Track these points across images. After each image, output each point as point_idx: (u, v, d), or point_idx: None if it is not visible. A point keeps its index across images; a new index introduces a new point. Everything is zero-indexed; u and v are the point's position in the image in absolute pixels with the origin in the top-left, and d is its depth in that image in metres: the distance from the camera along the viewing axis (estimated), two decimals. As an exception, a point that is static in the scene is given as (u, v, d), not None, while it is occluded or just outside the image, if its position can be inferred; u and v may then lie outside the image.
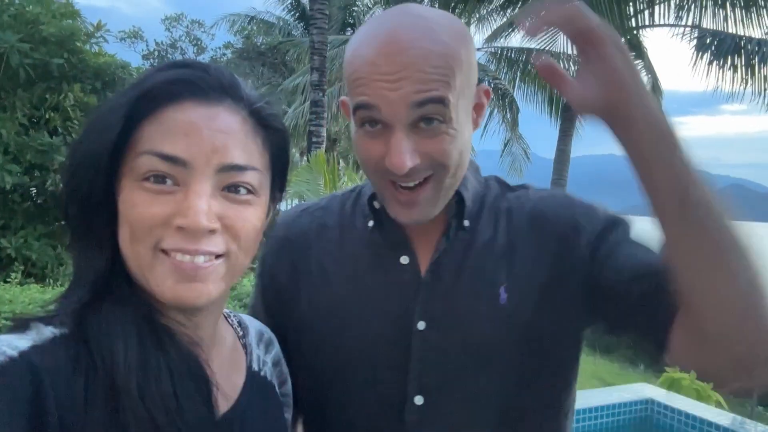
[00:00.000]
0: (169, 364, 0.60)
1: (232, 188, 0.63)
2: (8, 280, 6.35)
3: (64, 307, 0.62)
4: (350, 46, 0.82)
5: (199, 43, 25.52)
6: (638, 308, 0.79)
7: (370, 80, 0.76)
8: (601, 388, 5.11)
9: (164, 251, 0.61)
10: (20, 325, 0.60)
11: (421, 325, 0.88)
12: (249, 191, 0.65)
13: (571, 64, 10.20)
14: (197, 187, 0.60)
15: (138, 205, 0.60)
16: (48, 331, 0.59)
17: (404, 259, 0.90)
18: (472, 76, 0.83)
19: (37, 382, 0.54)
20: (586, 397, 4.28)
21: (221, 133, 0.62)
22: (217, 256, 0.63)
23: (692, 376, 4.78)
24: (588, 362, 8.93)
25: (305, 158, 8.11)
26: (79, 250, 0.64)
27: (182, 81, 0.62)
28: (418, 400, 0.87)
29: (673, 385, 4.67)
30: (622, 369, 7.51)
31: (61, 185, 0.66)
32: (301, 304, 0.95)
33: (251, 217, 0.65)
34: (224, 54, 22.81)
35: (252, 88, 0.69)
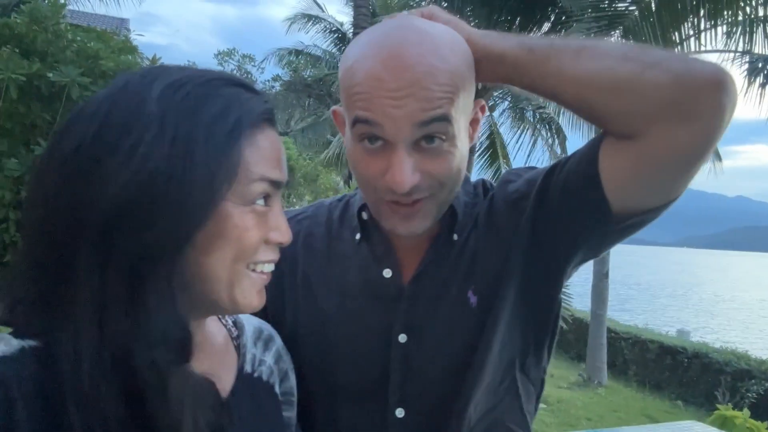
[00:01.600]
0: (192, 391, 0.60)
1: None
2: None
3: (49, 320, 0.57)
4: (350, 56, 0.77)
5: (249, 76, 26.55)
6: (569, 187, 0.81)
7: (373, 96, 0.73)
8: (649, 425, 4.87)
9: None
10: None
11: (402, 337, 0.87)
12: None
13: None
14: (279, 207, 0.68)
15: (251, 229, 0.63)
16: (16, 343, 0.58)
17: (387, 273, 0.89)
18: (472, 92, 0.81)
19: (5, 392, 0.53)
20: (632, 434, 4.09)
21: (283, 155, 0.69)
22: None
23: (746, 413, 4.51)
24: (637, 399, 8.55)
25: (347, 185, 8.22)
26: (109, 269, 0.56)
27: (270, 111, 0.67)
28: (399, 412, 0.86)
29: (725, 424, 4.39)
30: (672, 407, 7.16)
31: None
32: (286, 321, 0.93)
33: None
34: (273, 86, 23.56)
35: None
